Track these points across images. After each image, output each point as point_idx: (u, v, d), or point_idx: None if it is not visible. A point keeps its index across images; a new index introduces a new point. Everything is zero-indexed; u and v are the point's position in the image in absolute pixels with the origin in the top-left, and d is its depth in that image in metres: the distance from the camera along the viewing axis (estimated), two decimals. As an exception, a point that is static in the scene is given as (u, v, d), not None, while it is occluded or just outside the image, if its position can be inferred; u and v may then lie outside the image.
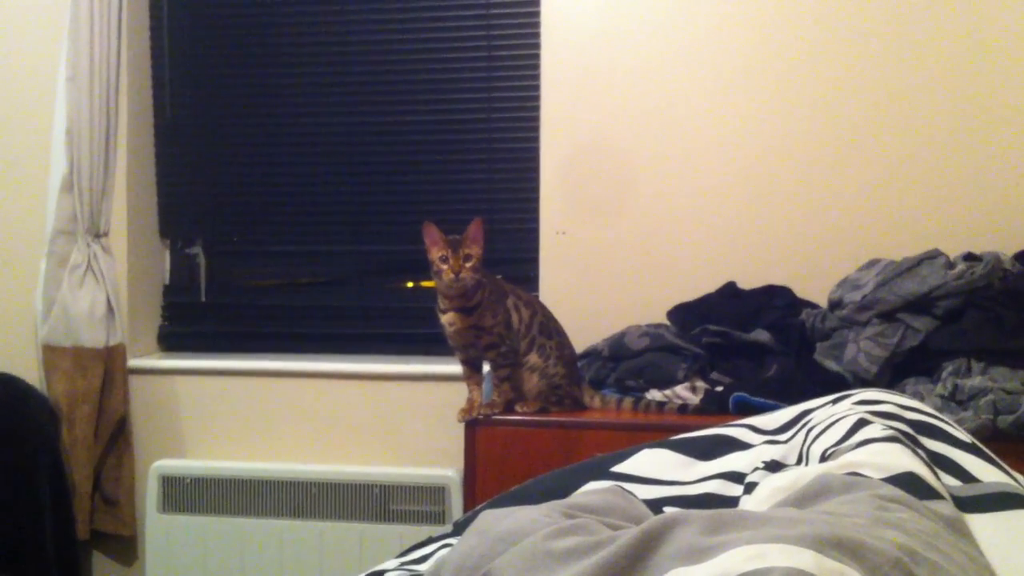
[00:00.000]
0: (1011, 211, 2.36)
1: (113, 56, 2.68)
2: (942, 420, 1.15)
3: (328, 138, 2.84)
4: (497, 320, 2.02)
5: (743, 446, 1.25)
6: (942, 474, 1.01)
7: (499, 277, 2.14)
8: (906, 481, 0.93)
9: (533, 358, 2.05)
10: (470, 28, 2.72)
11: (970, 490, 0.99)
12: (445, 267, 1.94)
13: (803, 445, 1.16)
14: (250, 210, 2.92)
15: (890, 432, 1.04)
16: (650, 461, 1.26)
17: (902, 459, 0.97)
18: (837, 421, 1.13)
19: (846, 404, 1.20)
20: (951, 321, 1.99)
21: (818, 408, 1.25)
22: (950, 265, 2.06)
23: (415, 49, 2.76)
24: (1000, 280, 2.00)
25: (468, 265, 1.94)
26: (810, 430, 1.17)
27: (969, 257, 2.10)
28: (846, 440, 1.06)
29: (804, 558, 0.70)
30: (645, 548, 0.77)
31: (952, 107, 2.40)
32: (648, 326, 2.31)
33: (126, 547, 2.76)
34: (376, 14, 2.78)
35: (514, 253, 2.70)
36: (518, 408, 2.04)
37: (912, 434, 1.07)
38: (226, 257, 2.98)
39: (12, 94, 2.76)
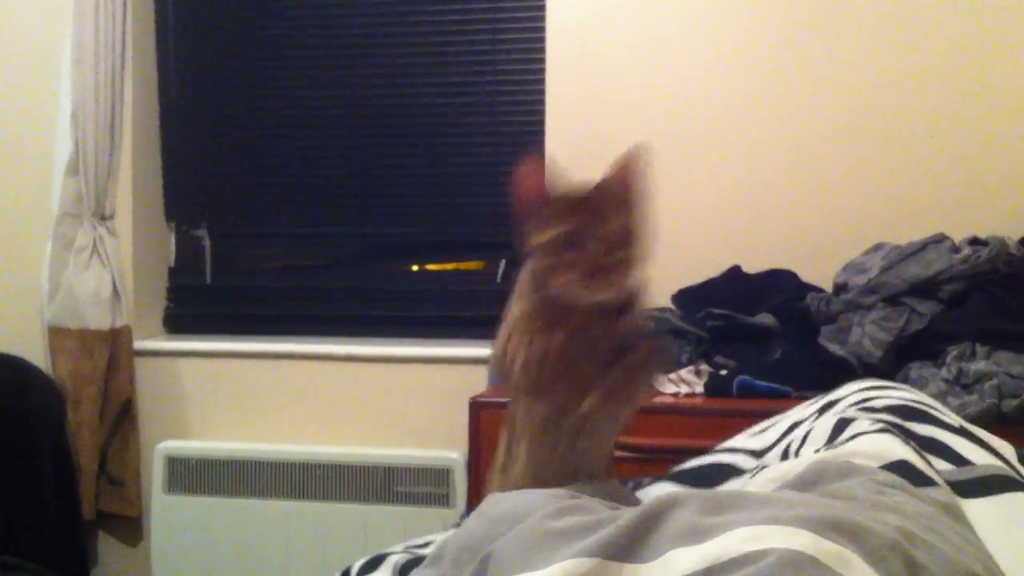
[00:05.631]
0: (1017, 195, 2.35)
1: (118, 38, 2.67)
2: (930, 406, 1.15)
3: (333, 120, 2.83)
4: None
5: (740, 473, 1.24)
6: (935, 458, 1.01)
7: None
8: (900, 469, 0.93)
9: None
10: (474, 4, 2.71)
11: (963, 474, 0.98)
12: None
13: (788, 448, 1.16)
14: (255, 192, 2.92)
15: (880, 425, 1.04)
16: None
17: (895, 448, 0.97)
18: (824, 425, 1.12)
19: (834, 411, 1.19)
20: (956, 305, 1.98)
21: (804, 421, 1.23)
22: (955, 249, 2.05)
23: (420, 31, 2.75)
24: (1005, 264, 1.99)
25: None
26: (799, 437, 1.16)
27: (975, 241, 2.09)
28: (835, 438, 1.06)
29: (803, 540, 0.70)
30: (645, 528, 0.78)
31: (959, 90, 2.39)
32: (652, 309, 2.31)
33: (131, 527, 2.78)
34: (380, -6, 2.77)
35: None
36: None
37: (900, 423, 1.07)
38: (231, 239, 2.98)
39: (17, 76, 2.76)
